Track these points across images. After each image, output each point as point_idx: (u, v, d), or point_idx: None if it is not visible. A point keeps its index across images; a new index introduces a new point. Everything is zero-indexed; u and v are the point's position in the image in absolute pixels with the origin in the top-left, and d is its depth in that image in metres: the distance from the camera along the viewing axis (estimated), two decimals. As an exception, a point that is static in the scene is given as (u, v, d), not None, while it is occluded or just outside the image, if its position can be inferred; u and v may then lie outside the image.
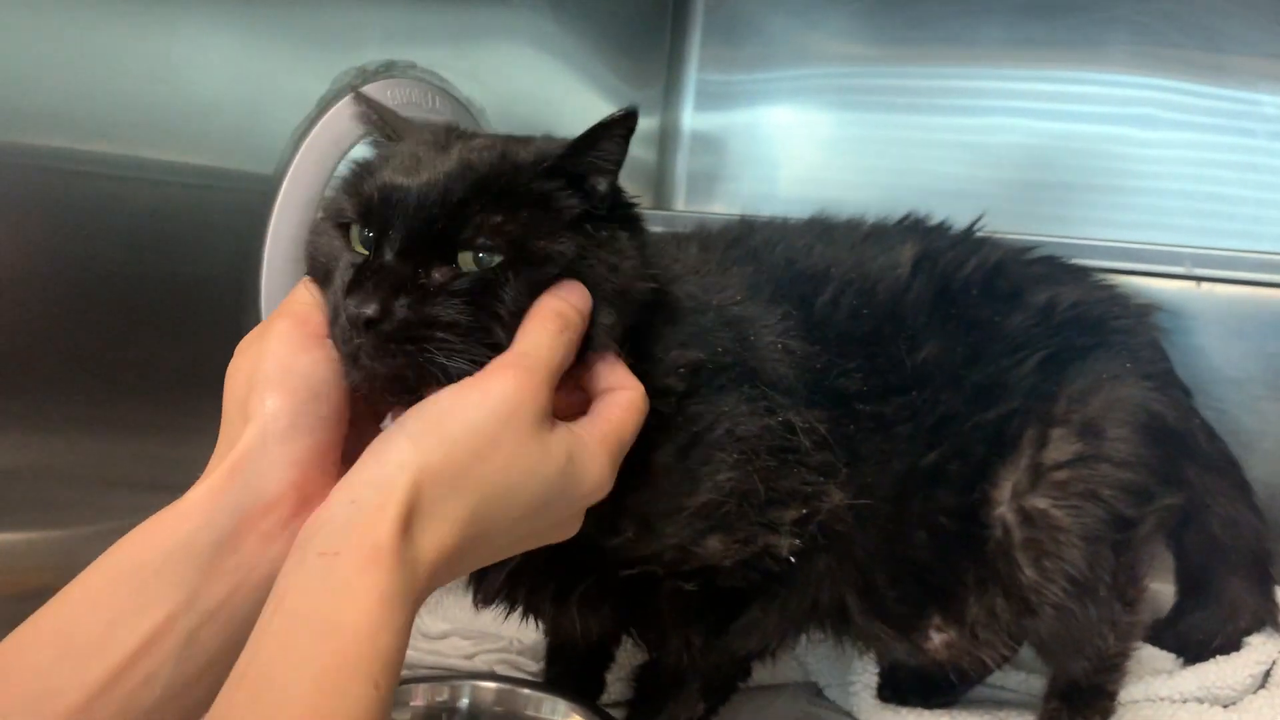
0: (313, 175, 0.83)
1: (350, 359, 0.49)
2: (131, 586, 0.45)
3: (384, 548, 0.42)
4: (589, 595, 0.62)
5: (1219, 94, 1.06)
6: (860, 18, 1.27)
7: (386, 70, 0.88)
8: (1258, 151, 1.04)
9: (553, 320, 0.50)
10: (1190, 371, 0.86)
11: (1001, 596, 0.72)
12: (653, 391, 0.55)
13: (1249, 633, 0.85)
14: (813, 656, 0.86)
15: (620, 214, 0.55)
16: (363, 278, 0.48)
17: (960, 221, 0.80)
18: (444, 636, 0.84)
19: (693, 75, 1.35)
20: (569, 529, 0.53)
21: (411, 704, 0.70)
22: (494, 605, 0.64)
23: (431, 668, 0.82)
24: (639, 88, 1.28)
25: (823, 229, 0.76)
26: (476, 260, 0.50)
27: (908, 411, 0.68)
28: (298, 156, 0.83)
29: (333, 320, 0.50)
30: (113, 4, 0.69)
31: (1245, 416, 0.95)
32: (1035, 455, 0.71)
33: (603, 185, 0.53)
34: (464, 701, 0.71)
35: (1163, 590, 0.88)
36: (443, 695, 0.71)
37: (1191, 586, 0.87)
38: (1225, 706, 0.80)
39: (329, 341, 0.50)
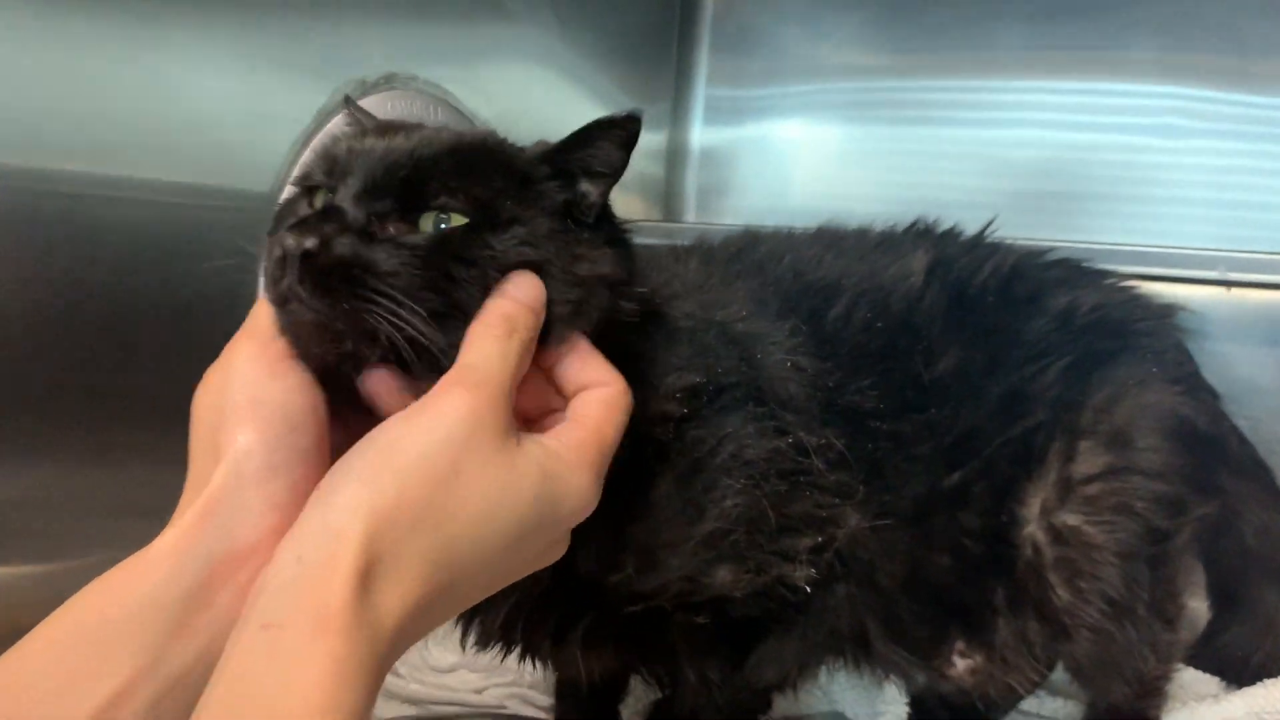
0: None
1: (280, 302, 0.44)
2: (90, 647, 0.40)
3: (336, 612, 0.36)
4: (591, 634, 0.58)
5: (1245, 100, 1.04)
6: (872, 27, 1.25)
7: (388, 82, 0.86)
8: (1285, 158, 1.00)
9: (498, 325, 0.44)
10: (1219, 379, 0.82)
11: (1034, 619, 0.68)
12: (649, 419, 0.52)
13: (1291, 647, 0.80)
14: (838, 686, 0.83)
15: (607, 232, 0.52)
16: (309, 217, 0.45)
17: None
18: (452, 670, 0.81)
19: (701, 90, 1.34)
20: (554, 554, 0.48)
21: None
22: (490, 648, 0.60)
23: (440, 703, 0.78)
24: (647, 103, 1.26)
25: (831, 239, 0.73)
26: (437, 222, 0.46)
27: (927, 430, 0.65)
28: (295, 172, 0.80)
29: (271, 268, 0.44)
30: (102, 22, 0.67)
31: (1277, 424, 0.91)
32: (1063, 469, 0.67)
33: (592, 192, 0.50)
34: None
35: (1196, 608, 0.83)
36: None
37: (1226, 600, 0.83)
38: (1277, 731, 0.76)
39: (300, 364, 0.45)
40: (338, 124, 0.81)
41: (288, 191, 0.53)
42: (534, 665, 0.63)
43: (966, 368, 0.67)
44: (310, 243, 0.43)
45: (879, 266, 0.69)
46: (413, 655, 0.82)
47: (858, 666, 0.70)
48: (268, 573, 0.39)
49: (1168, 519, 0.68)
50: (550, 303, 0.47)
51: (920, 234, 0.75)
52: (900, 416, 0.64)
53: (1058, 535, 0.67)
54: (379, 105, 0.85)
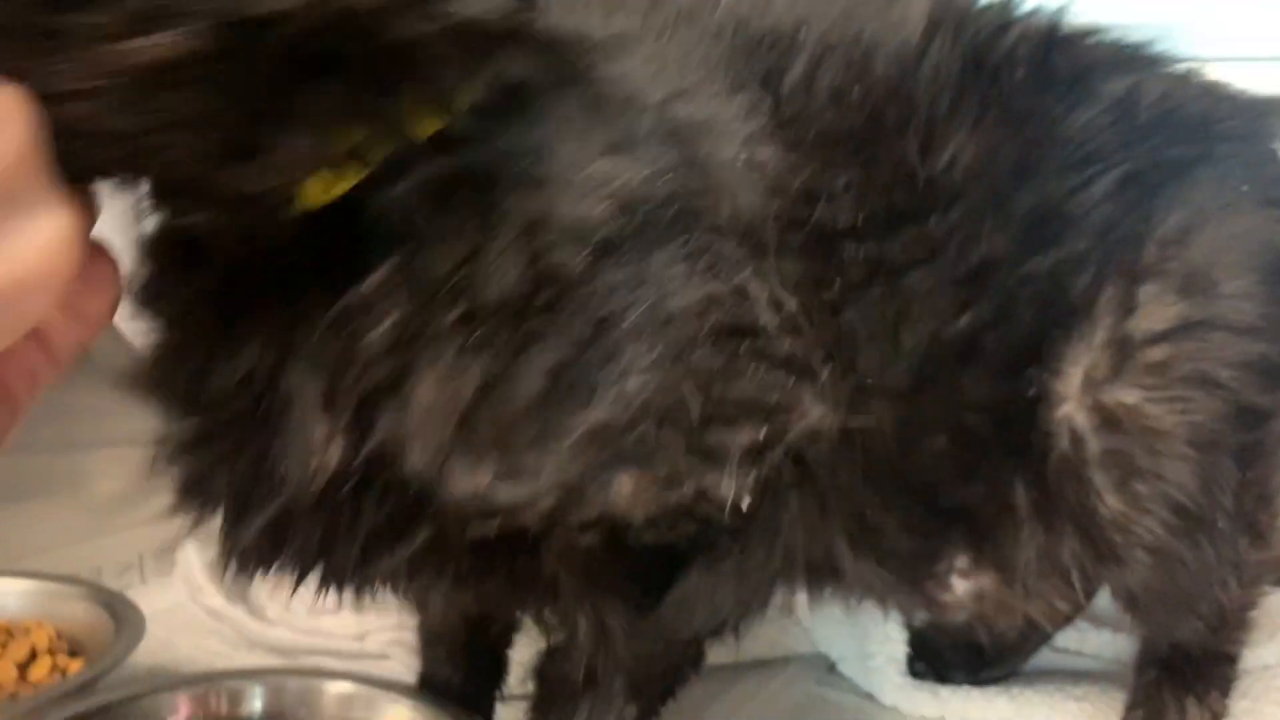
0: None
1: None
2: None
3: None
4: (426, 560, 0.39)
5: None
6: None
7: None
8: None
9: None
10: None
11: (1070, 534, 0.50)
12: (559, 231, 0.35)
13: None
14: (820, 622, 0.65)
15: None
16: None
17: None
18: (333, 611, 0.65)
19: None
20: None
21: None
22: (252, 571, 0.40)
23: (313, 652, 0.62)
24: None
25: None
26: None
27: (923, 249, 0.46)
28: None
29: None
30: None
31: None
32: (1118, 325, 0.48)
33: None
34: (255, 705, 0.51)
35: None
36: (218, 703, 0.50)
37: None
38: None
39: None
40: None
41: None
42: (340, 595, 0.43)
43: (984, 164, 0.47)
44: None
45: (855, 11, 0.49)
46: (283, 593, 0.66)
47: (822, 594, 0.52)
48: None
49: (1264, 392, 0.49)
50: None
51: None
52: (886, 232, 0.45)
53: (1108, 418, 0.48)
54: None
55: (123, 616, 0.52)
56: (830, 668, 0.66)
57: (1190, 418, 0.48)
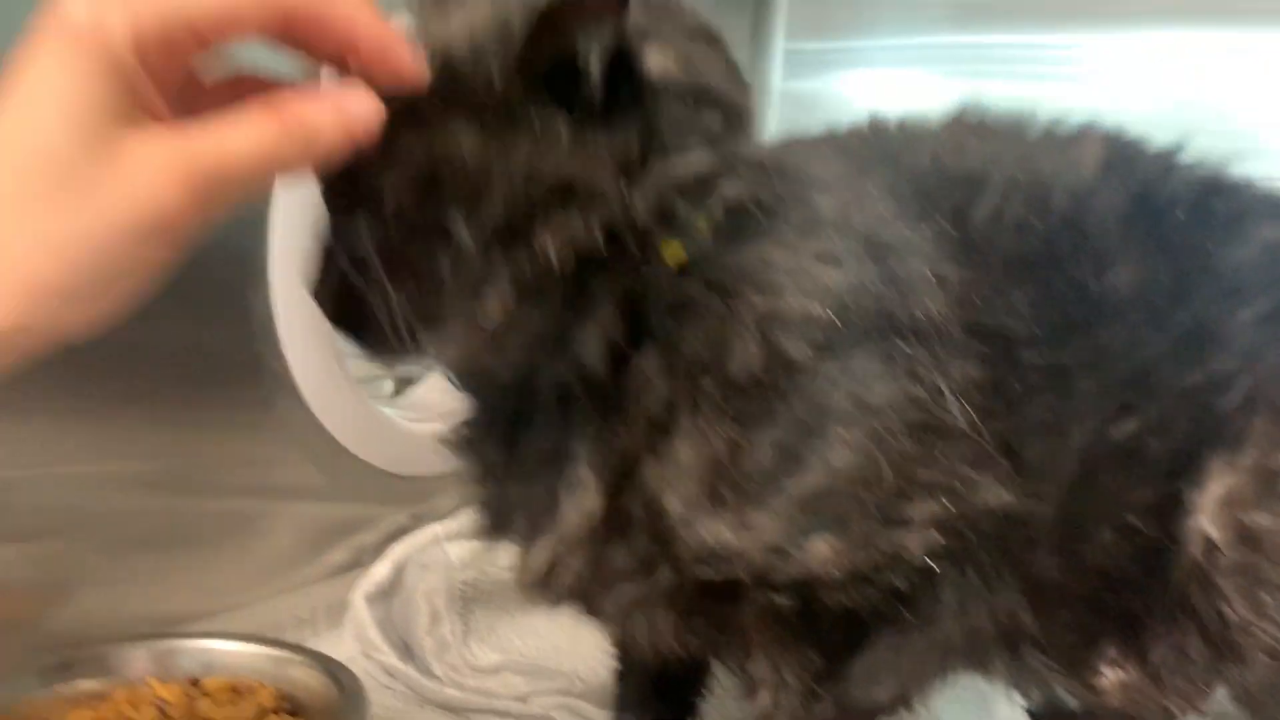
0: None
1: None
2: None
3: None
4: (658, 596, 0.48)
5: None
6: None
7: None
8: None
9: None
10: None
11: (1195, 635, 0.55)
12: (789, 324, 0.44)
13: None
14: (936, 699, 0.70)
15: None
16: None
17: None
18: (495, 671, 0.70)
19: (779, 42, 1.23)
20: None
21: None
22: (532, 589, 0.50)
23: (479, 711, 0.68)
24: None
25: (975, 123, 0.58)
26: None
27: (1093, 357, 0.52)
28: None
29: None
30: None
31: None
32: (1265, 456, 0.53)
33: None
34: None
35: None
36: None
37: None
38: None
39: None
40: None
41: None
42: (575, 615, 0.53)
43: (1147, 285, 0.53)
44: None
45: (1038, 155, 0.56)
46: (451, 653, 0.72)
47: (983, 674, 0.57)
48: None
49: None
50: None
51: (1092, 128, 0.59)
52: (1060, 341, 0.51)
53: (1243, 535, 0.52)
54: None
55: (345, 685, 0.56)
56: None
57: None
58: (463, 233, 0.40)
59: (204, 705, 0.56)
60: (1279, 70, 0.95)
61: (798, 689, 0.50)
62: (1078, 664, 0.56)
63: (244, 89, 0.38)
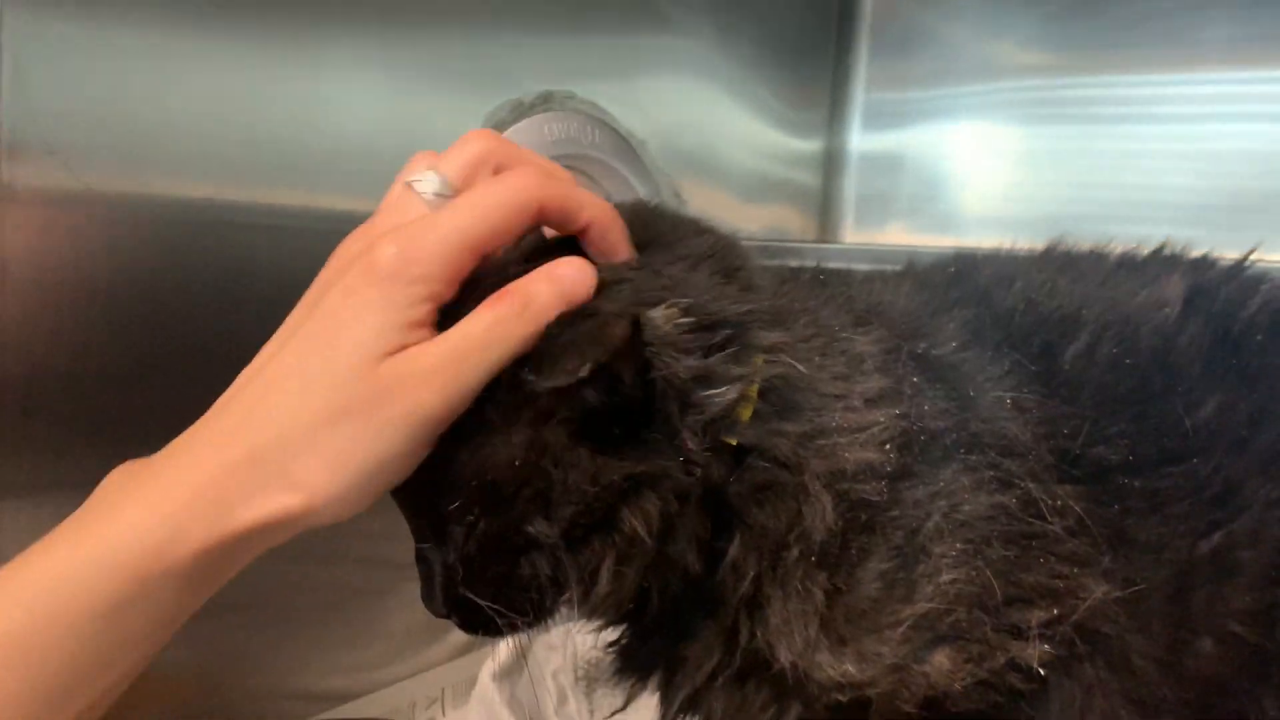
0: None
1: None
2: None
3: None
4: None
5: None
6: (1053, 22, 1.13)
7: (544, 103, 0.79)
8: None
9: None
10: None
11: None
12: (849, 473, 0.46)
13: None
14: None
15: None
16: None
17: (1193, 241, 0.64)
18: (618, 751, 0.73)
19: (860, 94, 1.26)
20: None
21: None
22: None
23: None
24: (802, 109, 1.17)
25: (1063, 261, 0.62)
26: None
27: (1188, 484, 0.54)
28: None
29: None
30: (254, 44, 0.62)
31: None
32: None
33: None
34: None
35: None
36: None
37: None
38: None
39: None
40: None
41: None
42: None
43: (1231, 415, 0.55)
44: None
45: (1124, 294, 0.58)
46: (577, 733, 0.74)
47: None
48: None
49: None
50: None
51: (1170, 258, 0.63)
52: (1156, 470, 0.53)
53: None
54: (536, 128, 0.78)
55: None
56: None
57: None
58: (545, 534, 0.44)
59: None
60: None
61: None
62: None
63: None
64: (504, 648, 0.80)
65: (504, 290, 0.41)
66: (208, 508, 0.38)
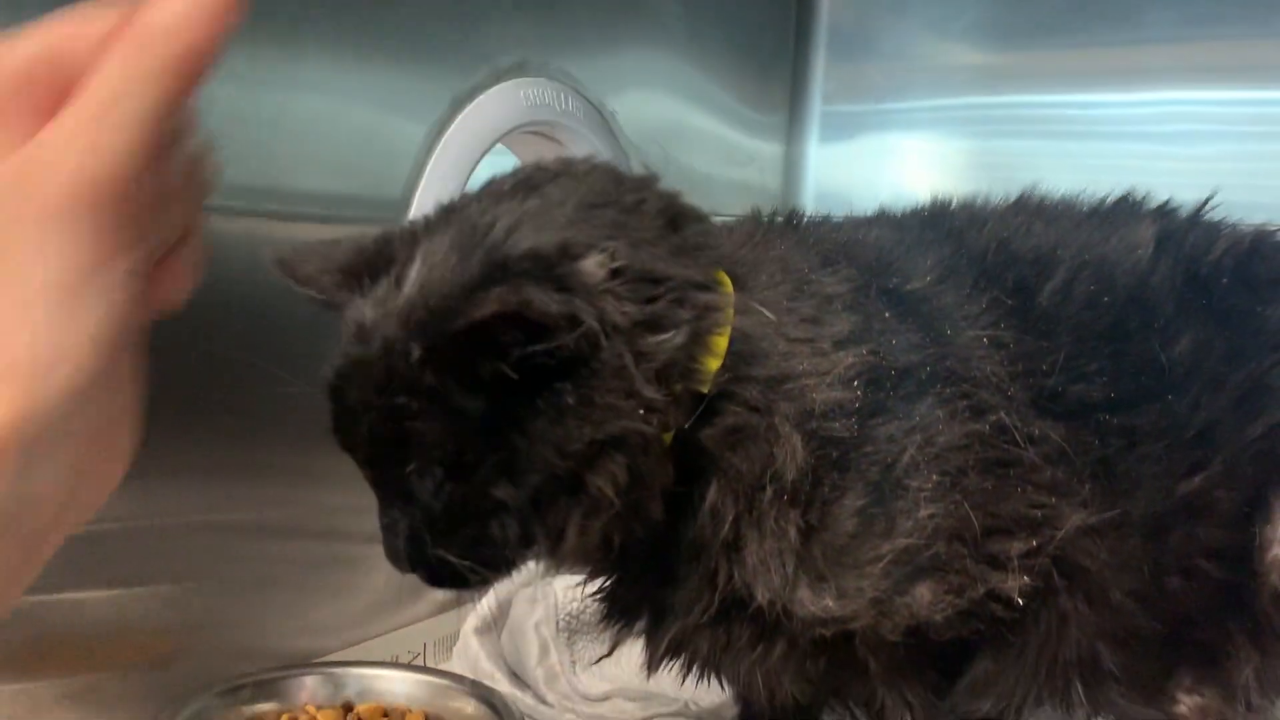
0: (443, 190, 0.76)
1: None
2: None
3: None
4: (771, 660, 0.52)
5: None
6: (986, 27, 1.18)
7: (519, 69, 0.81)
8: None
9: None
10: None
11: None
12: (819, 412, 0.47)
13: None
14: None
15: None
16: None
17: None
18: (606, 698, 0.73)
19: (817, 104, 1.29)
20: None
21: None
22: (663, 667, 0.55)
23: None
24: (763, 114, 1.21)
25: (1036, 207, 0.64)
26: None
27: (1164, 421, 0.56)
28: (425, 174, 0.76)
29: None
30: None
31: None
32: None
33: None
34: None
35: None
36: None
37: None
38: None
39: None
40: (464, 127, 0.77)
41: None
42: (708, 683, 0.58)
43: (1205, 353, 0.58)
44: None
45: (1099, 237, 0.60)
46: (561, 683, 0.74)
47: (1067, 707, 0.60)
48: None
49: None
50: None
51: (1136, 205, 0.65)
52: (1134, 408, 0.55)
53: None
54: (510, 94, 0.81)
55: (500, 709, 0.60)
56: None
57: None
58: (511, 499, 0.45)
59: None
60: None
61: (919, 705, 0.54)
62: (1155, 693, 0.60)
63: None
64: (485, 602, 0.80)
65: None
66: None
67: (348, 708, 0.61)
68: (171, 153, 0.33)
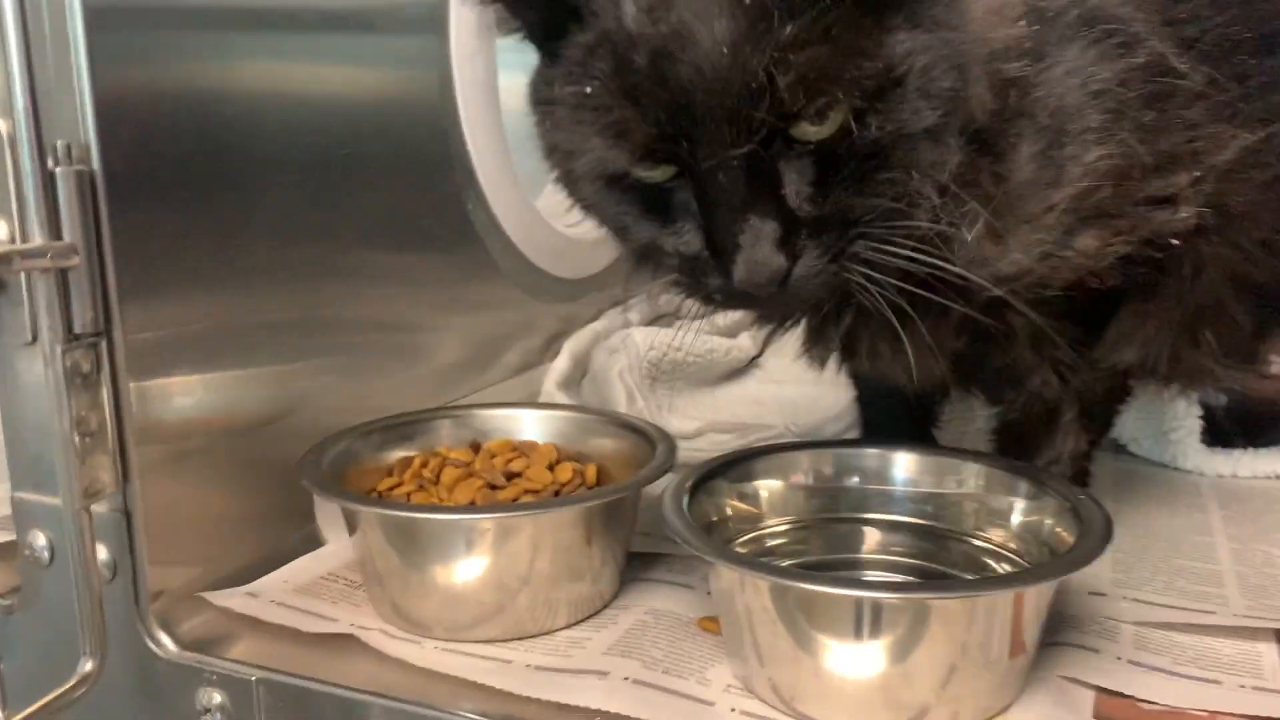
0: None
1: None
2: None
3: None
4: (933, 329, 0.51)
5: None
6: None
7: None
8: None
9: None
10: None
11: None
12: (999, 54, 0.46)
13: None
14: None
15: None
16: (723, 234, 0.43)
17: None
18: (698, 434, 0.74)
19: None
20: None
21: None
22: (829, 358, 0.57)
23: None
24: None
25: None
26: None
27: None
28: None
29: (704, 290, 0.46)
30: None
31: None
32: None
33: None
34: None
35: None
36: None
37: None
38: None
39: None
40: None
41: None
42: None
43: None
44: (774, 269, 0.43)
45: None
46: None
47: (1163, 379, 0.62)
48: None
49: None
50: None
51: None
52: (1271, 52, 0.54)
53: None
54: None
55: (651, 438, 0.60)
56: (1118, 449, 0.77)
57: None
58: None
59: (498, 462, 0.58)
60: None
61: (1066, 360, 0.56)
62: (1249, 355, 0.62)
63: None
64: (560, 362, 0.79)
65: None
66: None
67: (474, 447, 0.61)
68: None
